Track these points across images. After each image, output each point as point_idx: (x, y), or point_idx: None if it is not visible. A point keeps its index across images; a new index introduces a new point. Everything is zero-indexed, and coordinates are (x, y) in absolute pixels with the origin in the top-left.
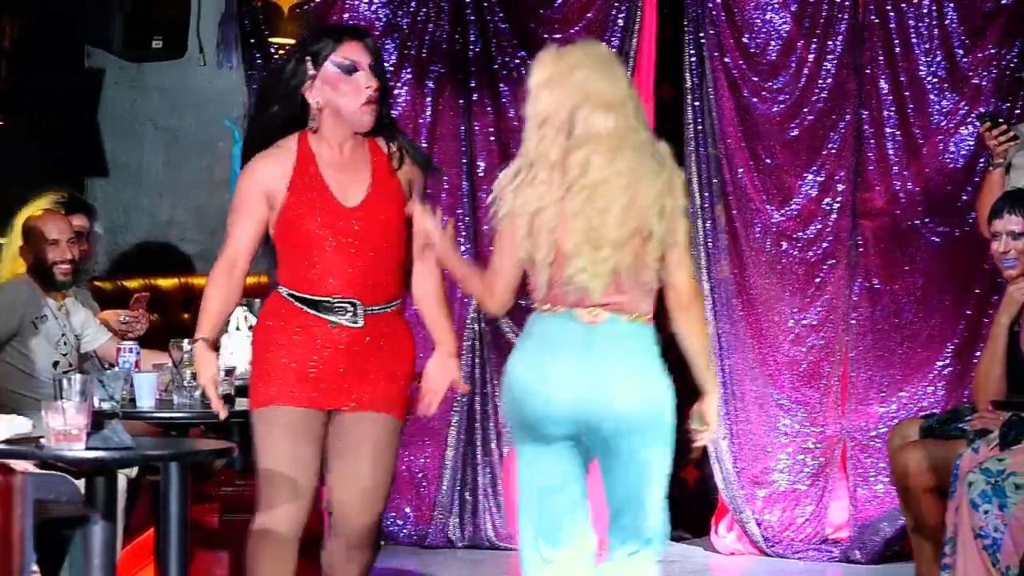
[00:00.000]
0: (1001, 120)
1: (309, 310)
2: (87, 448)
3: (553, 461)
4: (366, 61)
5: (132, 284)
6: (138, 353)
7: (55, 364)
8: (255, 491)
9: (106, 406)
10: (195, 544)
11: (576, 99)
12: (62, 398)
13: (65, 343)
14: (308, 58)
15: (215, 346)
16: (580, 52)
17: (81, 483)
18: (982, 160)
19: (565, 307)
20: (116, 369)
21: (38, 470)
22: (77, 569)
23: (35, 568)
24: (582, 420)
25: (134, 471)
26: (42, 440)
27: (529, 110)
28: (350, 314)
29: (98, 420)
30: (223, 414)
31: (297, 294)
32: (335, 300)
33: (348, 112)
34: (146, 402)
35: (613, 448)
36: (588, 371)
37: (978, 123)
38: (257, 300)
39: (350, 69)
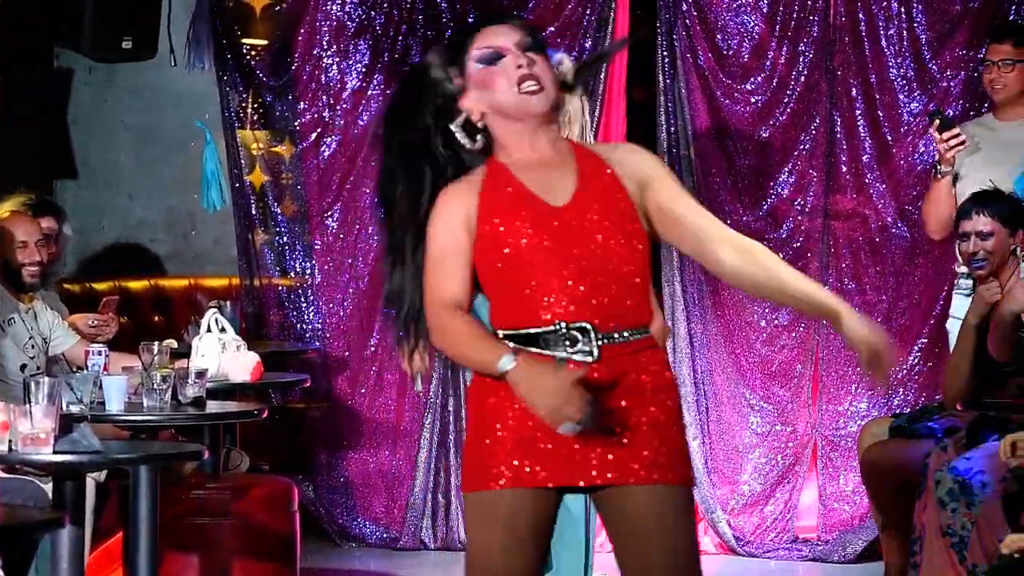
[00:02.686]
0: (954, 122)
1: (529, 348)
2: (55, 452)
3: None
4: (512, 40)
5: (101, 286)
6: (107, 356)
7: (23, 367)
8: (224, 494)
9: (75, 409)
10: (164, 548)
11: None
12: (30, 402)
13: (33, 346)
14: (446, 74)
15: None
16: None
17: (49, 487)
18: (931, 166)
19: None
20: (85, 372)
21: (5, 474)
22: (44, 573)
23: (0, 573)
24: None
25: (103, 474)
26: (10, 443)
27: None
28: (581, 344)
29: (66, 423)
30: None
31: (509, 332)
32: (559, 328)
33: (509, 104)
34: (115, 405)
35: None
36: None
37: (928, 119)
38: (228, 302)
39: (493, 57)
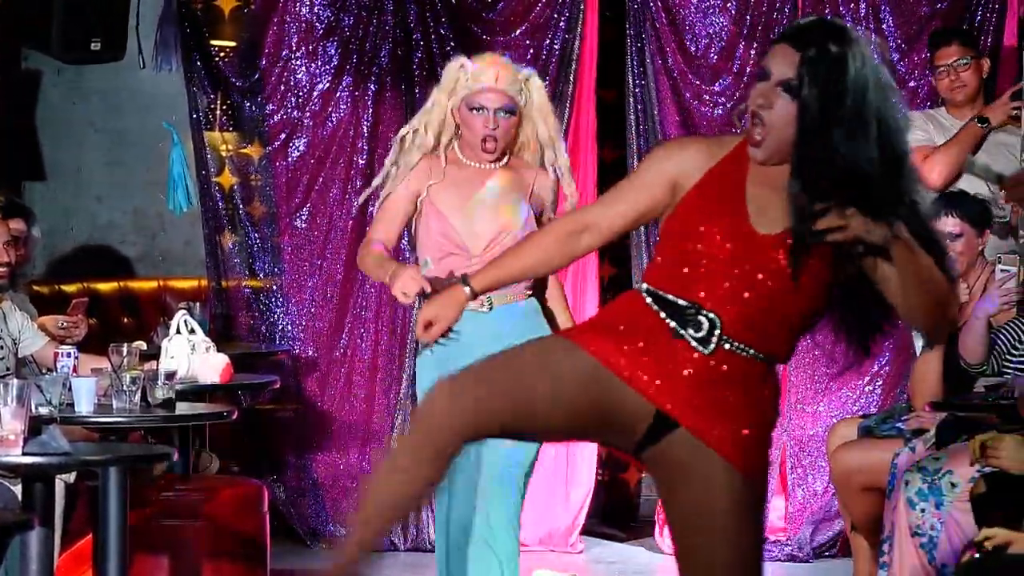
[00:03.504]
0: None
1: (662, 312)
2: (24, 453)
3: None
4: (780, 72)
5: (70, 288)
6: (76, 357)
7: None
8: (194, 495)
9: (44, 411)
10: (134, 549)
11: None
12: None
13: (1, 347)
14: None
15: (473, 294)
16: None
17: (18, 488)
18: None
19: None
20: (54, 374)
21: None
22: (14, 575)
23: None
24: None
25: (72, 476)
26: None
27: None
28: (705, 331)
29: (35, 425)
30: None
31: (660, 292)
32: (691, 306)
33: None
34: (84, 407)
35: None
36: None
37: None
38: (197, 304)
39: (762, 75)
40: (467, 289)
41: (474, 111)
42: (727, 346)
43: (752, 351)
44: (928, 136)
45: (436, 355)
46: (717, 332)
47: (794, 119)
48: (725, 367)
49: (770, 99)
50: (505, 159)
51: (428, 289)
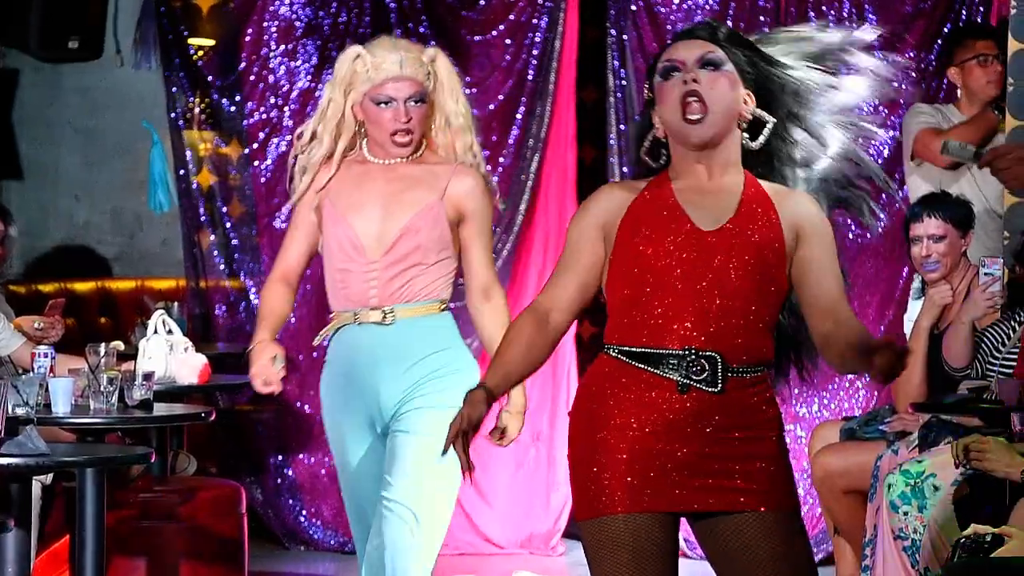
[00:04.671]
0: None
1: (648, 368)
2: (0, 454)
3: None
4: (694, 56)
5: (48, 288)
6: (53, 358)
7: None
8: (172, 497)
9: (20, 412)
10: (112, 551)
11: None
12: None
13: None
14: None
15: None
16: None
17: None
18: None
19: None
20: (31, 374)
21: None
22: None
23: None
24: None
25: (49, 477)
26: None
27: None
28: (708, 373)
29: (12, 426)
30: None
31: (628, 348)
32: (688, 353)
33: (670, 125)
34: (61, 408)
35: None
36: None
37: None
38: (175, 304)
39: (668, 71)
40: (482, 389)
41: (381, 105)
42: (731, 375)
43: (746, 369)
44: (936, 121)
45: (340, 369)
46: (719, 365)
47: (727, 87)
48: (735, 397)
49: (696, 76)
50: (419, 151)
51: (279, 381)
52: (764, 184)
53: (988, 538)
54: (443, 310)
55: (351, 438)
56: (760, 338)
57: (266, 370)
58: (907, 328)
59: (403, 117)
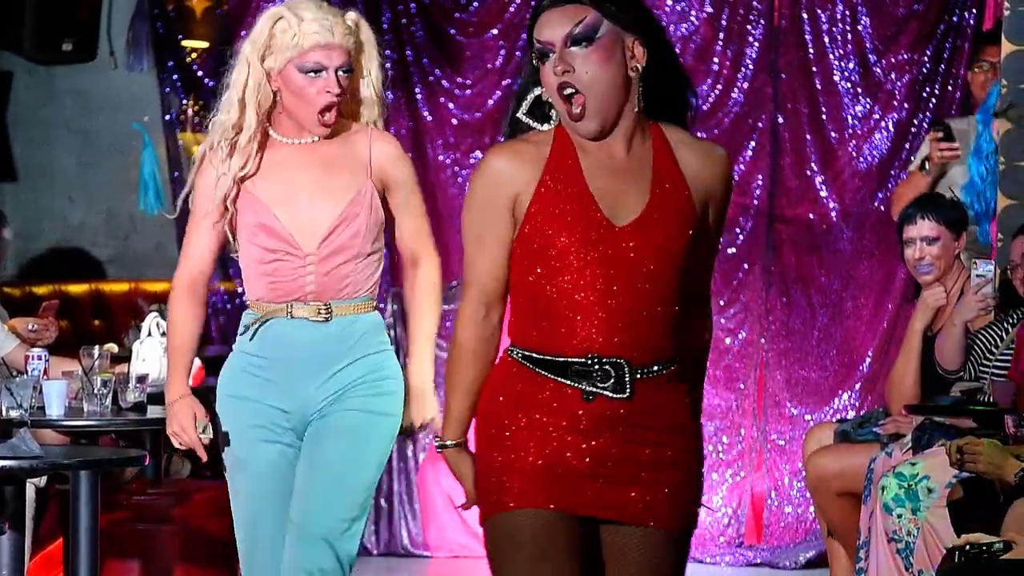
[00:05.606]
0: (953, 136)
1: (552, 377)
2: None
3: None
4: (562, 33)
5: (42, 290)
6: (47, 360)
7: None
8: (166, 499)
9: (14, 414)
10: (106, 553)
11: None
12: None
13: None
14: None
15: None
16: None
17: None
18: (915, 159)
19: None
20: (24, 377)
21: None
22: None
23: None
24: None
25: (43, 480)
26: None
27: None
28: (613, 380)
29: (6, 428)
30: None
31: (533, 354)
32: (591, 361)
33: (559, 110)
34: (55, 410)
35: None
36: None
37: (931, 127)
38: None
39: (542, 55)
40: (449, 444)
41: (310, 74)
42: (640, 377)
43: (656, 368)
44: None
45: (261, 362)
46: (626, 371)
47: (601, 62)
48: (644, 401)
49: (568, 63)
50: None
51: (204, 450)
52: (672, 139)
53: (996, 546)
54: (375, 308)
55: (259, 433)
56: (673, 333)
57: (189, 435)
58: None
59: (335, 88)
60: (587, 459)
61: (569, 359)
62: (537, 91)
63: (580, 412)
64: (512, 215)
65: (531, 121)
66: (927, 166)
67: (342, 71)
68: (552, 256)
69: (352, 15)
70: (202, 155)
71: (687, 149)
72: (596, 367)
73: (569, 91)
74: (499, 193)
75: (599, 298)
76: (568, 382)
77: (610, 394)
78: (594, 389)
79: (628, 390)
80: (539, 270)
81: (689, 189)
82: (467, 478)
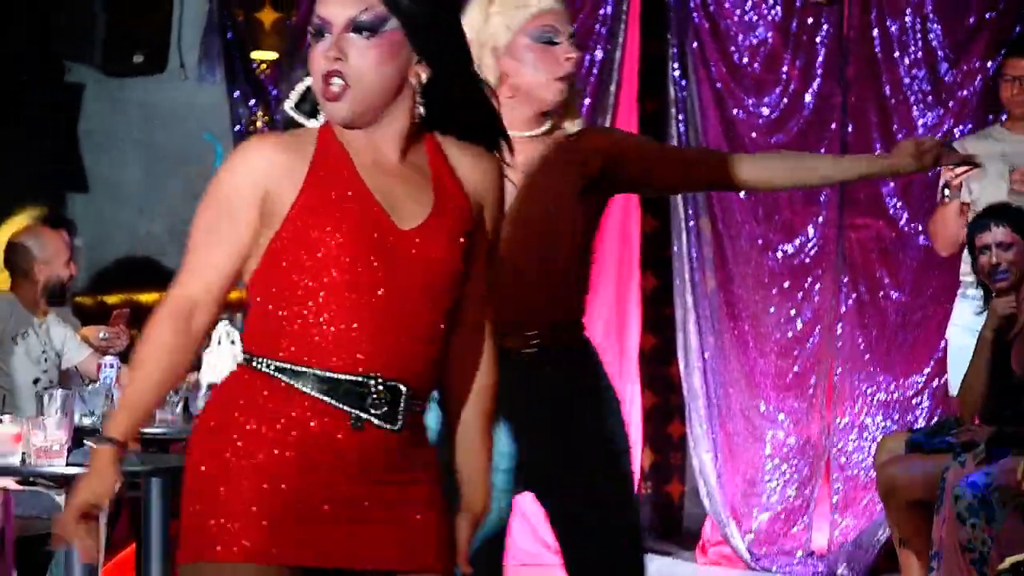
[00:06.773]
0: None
1: (315, 394)
2: (68, 464)
3: None
4: (345, 16)
5: (112, 300)
6: (119, 368)
7: (35, 381)
8: None
9: (87, 422)
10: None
11: None
12: (43, 414)
13: (46, 359)
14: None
15: (122, 452)
16: None
17: (63, 499)
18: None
19: None
20: (97, 385)
21: (19, 486)
22: None
23: None
24: None
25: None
26: (24, 456)
27: None
28: (387, 408)
29: (79, 436)
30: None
31: (291, 367)
32: (372, 381)
33: (320, 99)
34: None
35: None
36: None
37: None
38: (238, 314)
39: (318, 31)
40: (109, 445)
41: None
42: (412, 410)
43: (421, 400)
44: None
45: None
46: (403, 400)
47: (379, 59)
48: (407, 435)
49: (343, 50)
50: None
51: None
52: (445, 146)
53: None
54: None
55: None
56: (439, 363)
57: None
58: (950, 332)
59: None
60: (339, 499)
61: (345, 375)
62: (308, 81)
63: (343, 443)
64: (258, 214)
65: (296, 115)
66: (947, 192)
67: None
68: (319, 259)
69: None
70: None
71: (460, 156)
72: (375, 388)
73: (337, 81)
74: (248, 188)
75: (376, 311)
76: (336, 403)
77: (382, 424)
78: (366, 415)
79: (400, 422)
80: (303, 273)
81: (468, 199)
82: (94, 495)
